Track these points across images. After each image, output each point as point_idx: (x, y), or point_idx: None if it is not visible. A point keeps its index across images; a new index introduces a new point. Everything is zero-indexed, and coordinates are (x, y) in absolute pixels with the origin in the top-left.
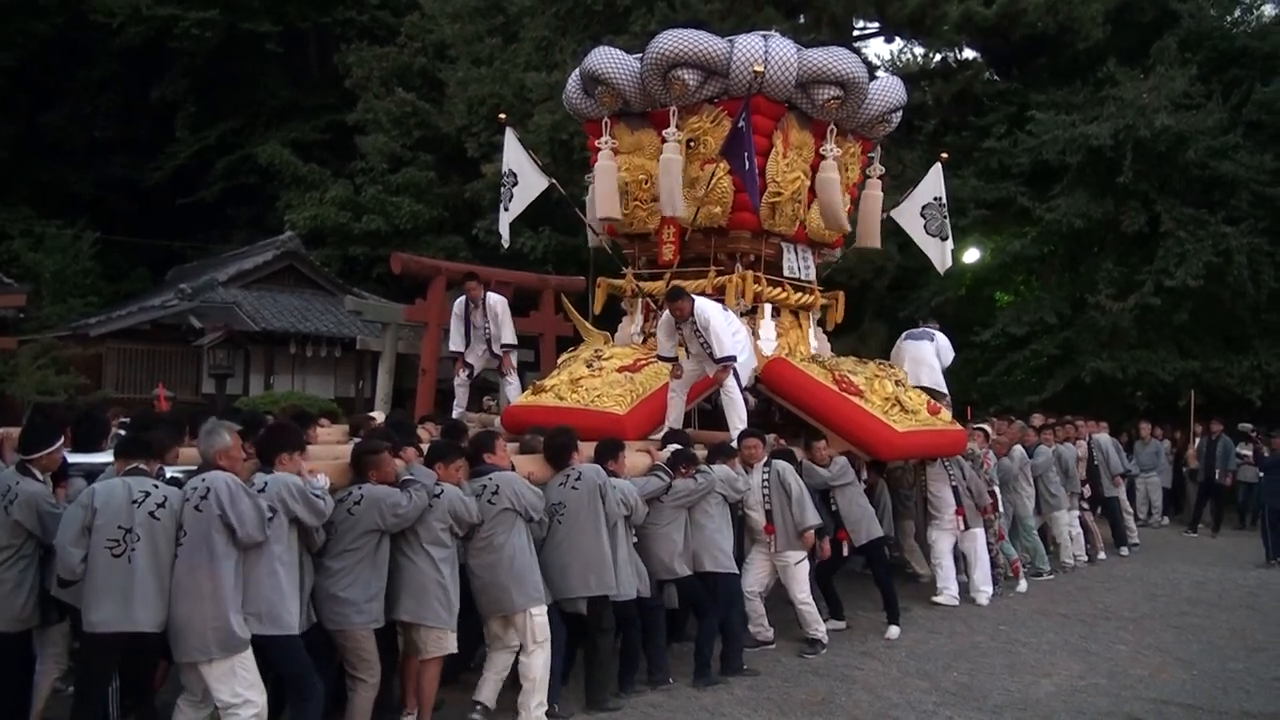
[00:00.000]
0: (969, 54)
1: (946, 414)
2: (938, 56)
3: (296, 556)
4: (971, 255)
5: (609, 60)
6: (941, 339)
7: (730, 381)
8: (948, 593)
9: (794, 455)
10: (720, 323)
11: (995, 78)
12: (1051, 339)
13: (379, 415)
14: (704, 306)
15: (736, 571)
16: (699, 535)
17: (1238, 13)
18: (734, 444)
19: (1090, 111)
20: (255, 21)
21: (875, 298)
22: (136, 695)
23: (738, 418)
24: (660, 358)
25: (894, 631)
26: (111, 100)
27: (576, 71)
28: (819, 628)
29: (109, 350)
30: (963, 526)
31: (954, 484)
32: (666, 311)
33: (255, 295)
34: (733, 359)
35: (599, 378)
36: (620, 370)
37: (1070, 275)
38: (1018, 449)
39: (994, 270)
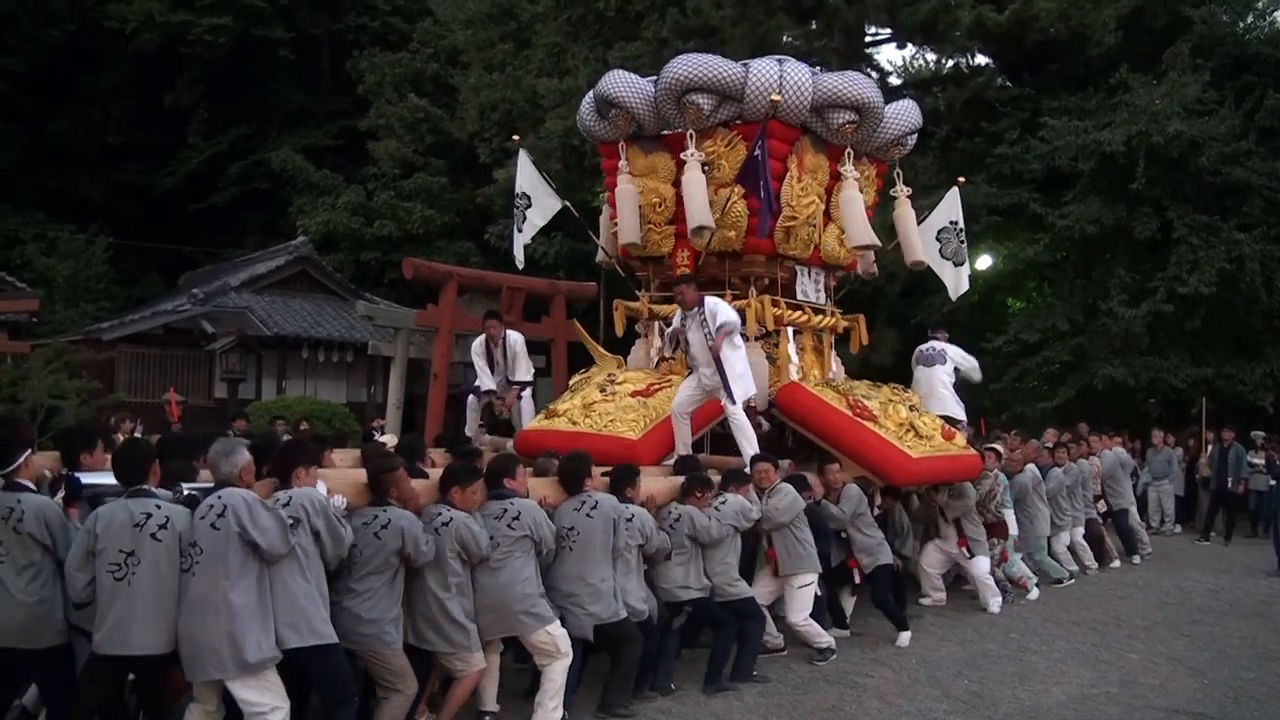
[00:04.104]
0: (981, 60)
1: (961, 439)
2: (950, 63)
3: (321, 568)
4: (984, 262)
5: (622, 84)
6: (954, 353)
7: (733, 409)
8: (934, 596)
9: (806, 480)
10: (728, 310)
11: (1007, 84)
12: (1064, 345)
13: (390, 439)
14: (713, 300)
15: (748, 595)
16: (705, 566)
17: (1250, 19)
18: (747, 469)
19: (1103, 118)
20: (268, 28)
21: (887, 304)
22: (152, 710)
23: (748, 443)
24: (660, 357)
25: (904, 638)
26: (124, 106)
27: (590, 94)
28: (823, 638)
29: (121, 355)
30: (968, 555)
31: (958, 515)
32: (674, 321)
33: (267, 300)
34: (735, 323)
35: (612, 402)
36: (633, 395)
37: (1082, 282)
38: (1031, 467)
39: (1006, 276)
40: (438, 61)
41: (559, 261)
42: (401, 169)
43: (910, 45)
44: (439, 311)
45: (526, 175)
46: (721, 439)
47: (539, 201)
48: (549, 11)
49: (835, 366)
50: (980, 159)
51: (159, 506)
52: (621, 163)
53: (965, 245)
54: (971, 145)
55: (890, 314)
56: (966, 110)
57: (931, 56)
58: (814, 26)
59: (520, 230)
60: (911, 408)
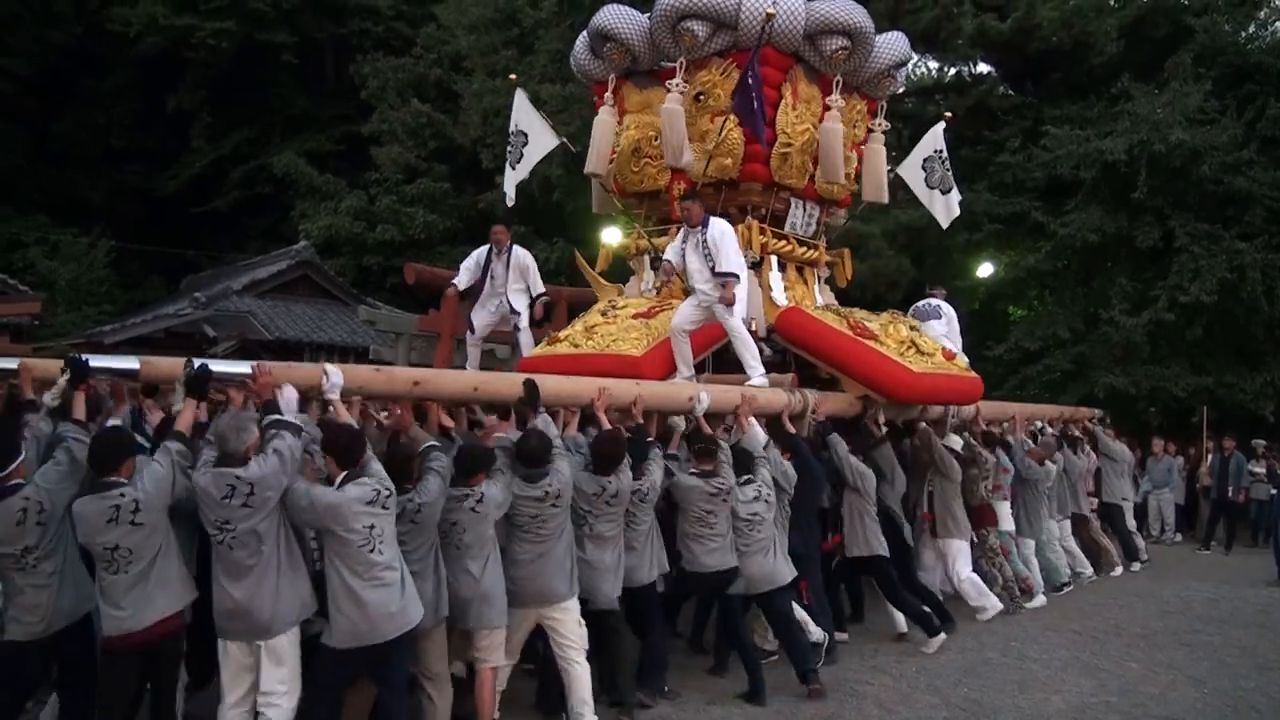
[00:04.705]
0: (983, 68)
1: (962, 360)
2: (952, 70)
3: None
4: (985, 269)
5: (618, 17)
6: (948, 310)
7: (731, 318)
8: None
9: (828, 426)
10: (733, 239)
11: (1009, 92)
12: (1065, 354)
13: None
14: (721, 221)
15: (785, 582)
16: (754, 559)
17: (1252, 28)
18: (751, 380)
19: (1104, 126)
20: (272, 32)
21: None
22: (159, 703)
23: (751, 356)
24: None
25: (934, 644)
26: (126, 109)
27: (584, 33)
28: (809, 626)
29: None
30: (931, 534)
31: (930, 489)
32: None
33: (269, 304)
34: (734, 276)
35: (614, 324)
36: (635, 317)
37: (1084, 290)
38: (1049, 463)
39: (1008, 284)
40: (441, 67)
41: (560, 267)
42: (404, 174)
43: (913, 53)
44: (440, 317)
45: (523, 113)
46: (722, 361)
47: (535, 138)
48: (552, 18)
49: (823, 299)
50: (982, 167)
51: (123, 494)
52: (607, 95)
53: (951, 173)
54: (973, 153)
55: None
56: (968, 118)
57: (934, 64)
58: None
59: (514, 167)
60: (912, 328)
